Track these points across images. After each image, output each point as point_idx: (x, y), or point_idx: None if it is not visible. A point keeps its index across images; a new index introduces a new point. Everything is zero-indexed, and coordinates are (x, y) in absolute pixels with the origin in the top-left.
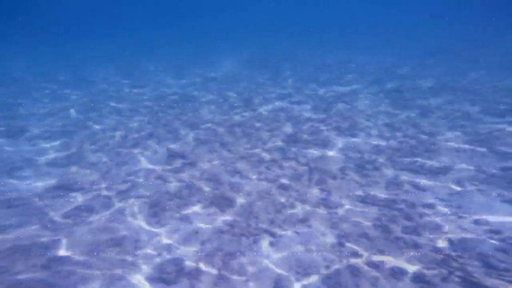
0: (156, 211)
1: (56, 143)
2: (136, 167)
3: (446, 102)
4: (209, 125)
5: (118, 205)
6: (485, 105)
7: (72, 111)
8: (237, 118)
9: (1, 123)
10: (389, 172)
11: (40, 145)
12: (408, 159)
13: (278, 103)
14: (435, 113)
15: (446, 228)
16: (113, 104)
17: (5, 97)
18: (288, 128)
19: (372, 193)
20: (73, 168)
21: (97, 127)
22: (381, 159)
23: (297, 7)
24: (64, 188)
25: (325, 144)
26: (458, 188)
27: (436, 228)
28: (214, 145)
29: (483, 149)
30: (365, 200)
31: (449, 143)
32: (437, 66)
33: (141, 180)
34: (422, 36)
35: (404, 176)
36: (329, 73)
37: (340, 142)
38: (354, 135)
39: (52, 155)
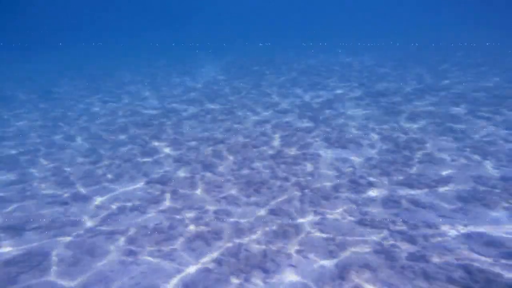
0: (131, 249)
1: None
2: (109, 197)
3: (431, 105)
4: (191, 143)
5: (89, 241)
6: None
7: None
8: (220, 133)
9: None
10: (385, 188)
11: None
12: (403, 172)
13: (263, 114)
14: (424, 118)
15: (457, 252)
16: (83, 123)
17: None
18: (276, 142)
19: (369, 212)
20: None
21: (68, 150)
22: (375, 173)
23: (276, 10)
24: (17, 227)
25: (315, 158)
26: (460, 203)
27: (445, 253)
28: (197, 167)
29: (478, 157)
30: (363, 222)
31: (442, 152)
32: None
33: (114, 212)
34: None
35: (401, 192)
36: (312, 77)
37: (330, 155)
38: (344, 147)
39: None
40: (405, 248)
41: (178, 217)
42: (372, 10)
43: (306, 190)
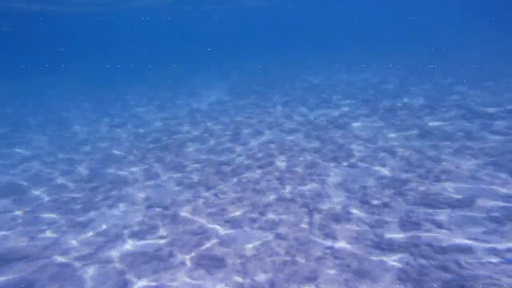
0: (125, 279)
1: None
2: (106, 222)
3: (442, 120)
4: (195, 166)
5: (80, 271)
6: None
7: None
8: (225, 154)
9: None
10: (400, 208)
11: None
12: (419, 191)
13: (268, 134)
14: (435, 134)
15: (503, 281)
16: (85, 148)
17: None
18: (282, 163)
19: (386, 235)
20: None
21: (61, 181)
22: (388, 193)
23: (275, 30)
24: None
25: (322, 178)
26: (493, 224)
27: (492, 284)
28: (200, 190)
29: (503, 174)
30: (380, 246)
31: (461, 169)
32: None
33: (111, 239)
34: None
35: (420, 212)
36: (317, 95)
37: (339, 175)
38: (353, 166)
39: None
40: (437, 277)
41: (179, 242)
42: (365, 29)
43: (315, 212)
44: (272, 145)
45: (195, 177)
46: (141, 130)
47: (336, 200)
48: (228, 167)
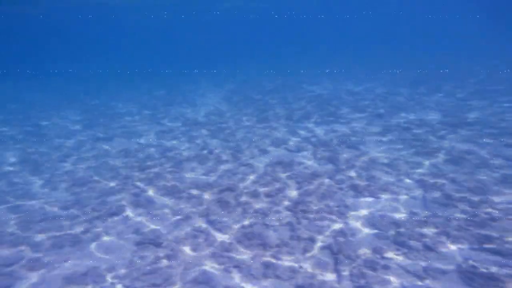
0: None
1: None
2: (86, 262)
3: (468, 141)
4: (192, 192)
5: None
6: None
7: None
8: (226, 178)
9: None
10: (451, 254)
11: None
12: (471, 233)
13: (273, 153)
14: (468, 160)
15: None
16: (66, 166)
17: None
18: (292, 190)
19: None
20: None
21: (37, 203)
22: (429, 232)
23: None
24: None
25: (342, 212)
26: None
27: None
28: (199, 222)
29: None
30: None
31: None
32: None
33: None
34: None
35: (483, 259)
36: (322, 107)
37: (362, 208)
38: (376, 196)
39: None
40: None
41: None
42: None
43: (341, 256)
44: (279, 168)
45: (194, 206)
46: (131, 147)
47: (364, 241)
48: (231, 194)
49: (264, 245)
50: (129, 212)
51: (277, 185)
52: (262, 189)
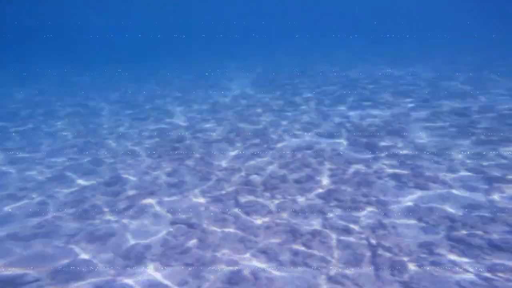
0: None
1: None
2: (126, 242)
3: None
4: (221, 174)
5: None
6: None
7: None
8: (254, 162)
9: None
10: None
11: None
12: None
13: (302, 137)
14: None
15: None
16: (111, 142)
17: None
18: (324, 177)
19: None
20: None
21: (82, 181)
22: (494, 229)
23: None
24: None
25: (382, 202)
26: None
27: None
28: (229, 205)
29: None
30: None
31: None
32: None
33: (129, 263)
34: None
35: None
36: (358, 91)
37: (406, 199)
38: (424, 188)
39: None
40: None
41: (205, 274)
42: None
43: (380, 250)
44: (309, 152)
45: (223, 188)
46: (164, 126)
47: (408, 233)
48: (259, 178)
49: (293, 232)
50: (163, 191)
51: (307, 171)
52: (291, 175)
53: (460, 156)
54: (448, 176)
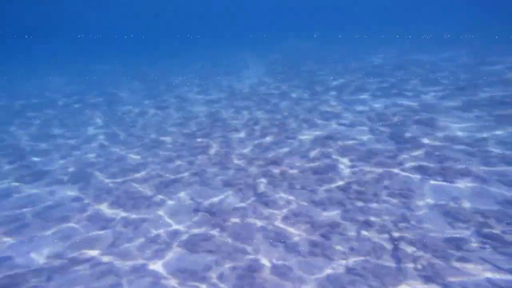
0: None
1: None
2: (155, 225)
3: None
4: (240, 163)
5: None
6: None
7: None
8: (272, 151)
9: None
10: None
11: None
12: None
13: (322, 127)
14: None
15: None
16: (136, 132)
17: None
18: (344, 168)
19: None
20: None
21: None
22: None
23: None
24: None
25: (405, 195)
26: None
27: None
28: (248, 195)
29: None
30: None
31: None
32: None
33: (159, 246)
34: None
35: None
36: (382, 79)
37: (430, 192)
38: (451, 180)
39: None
40: None
41: (227, 266)
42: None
43: (403, 244)
44: (330, 142)
45: (242, 178)
46: (183, 115)
47: (432, 227)
48: (277, 168)
49: (312, 223)
50: (187, 178)
51: (326, 161)
52: (309, 165)
53: (495, 148)
54: (485, 170)
